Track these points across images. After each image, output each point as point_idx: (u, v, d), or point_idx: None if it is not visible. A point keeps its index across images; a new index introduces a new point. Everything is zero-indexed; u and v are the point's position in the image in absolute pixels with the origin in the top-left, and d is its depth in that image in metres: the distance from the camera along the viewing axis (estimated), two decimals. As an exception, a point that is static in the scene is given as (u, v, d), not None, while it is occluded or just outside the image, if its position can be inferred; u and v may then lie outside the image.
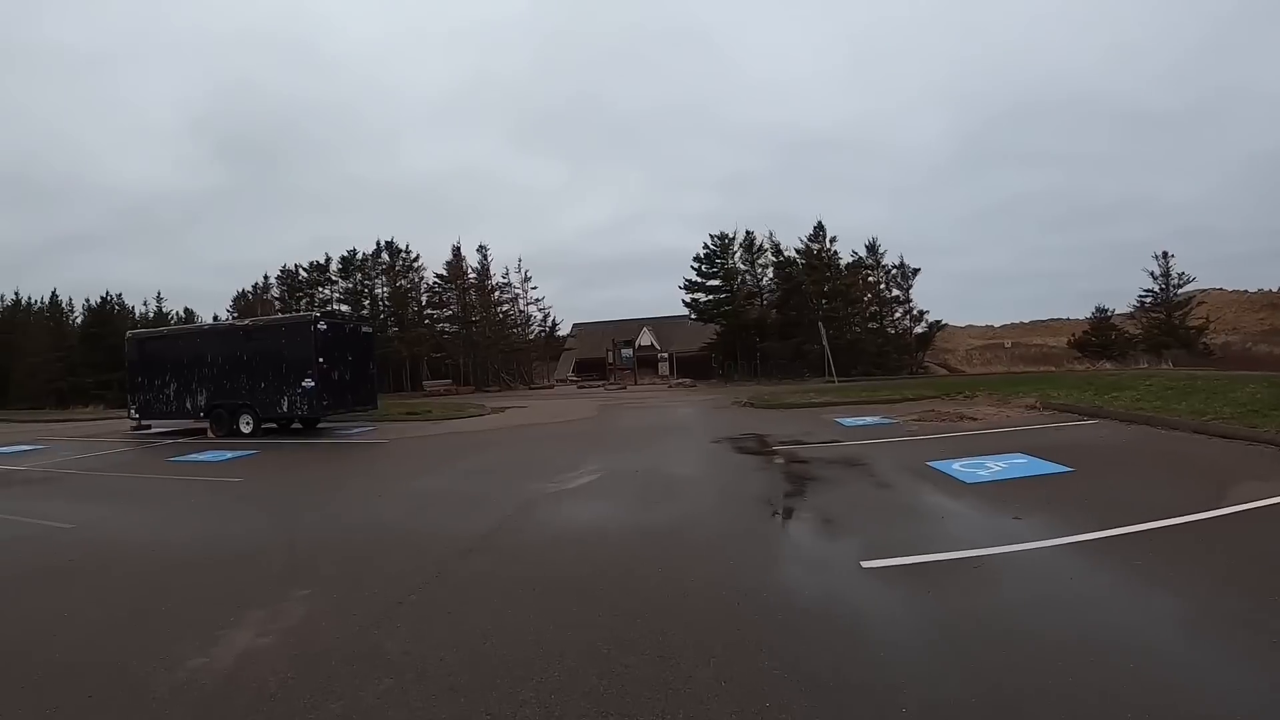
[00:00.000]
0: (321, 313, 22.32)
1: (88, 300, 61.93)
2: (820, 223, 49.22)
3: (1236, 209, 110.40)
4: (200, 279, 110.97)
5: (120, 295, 61.72)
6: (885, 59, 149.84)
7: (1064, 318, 77.64)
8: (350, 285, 57.71)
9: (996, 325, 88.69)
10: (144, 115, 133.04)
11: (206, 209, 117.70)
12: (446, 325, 58.81)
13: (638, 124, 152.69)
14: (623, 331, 61.40)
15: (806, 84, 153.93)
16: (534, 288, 60.11)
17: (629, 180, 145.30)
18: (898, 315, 48.85)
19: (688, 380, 46.83)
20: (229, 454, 16.71)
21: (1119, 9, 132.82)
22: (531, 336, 60.78)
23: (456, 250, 57.54)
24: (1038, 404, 17.62)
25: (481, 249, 58.19)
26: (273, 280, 59.05)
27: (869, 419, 17.16)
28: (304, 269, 58.21)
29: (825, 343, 32.45)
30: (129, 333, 25.82)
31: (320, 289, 58.02)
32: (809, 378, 42.79)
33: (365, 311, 57.63)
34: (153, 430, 23.57)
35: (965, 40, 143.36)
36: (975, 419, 15.76)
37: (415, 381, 54.43)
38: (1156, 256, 50.26)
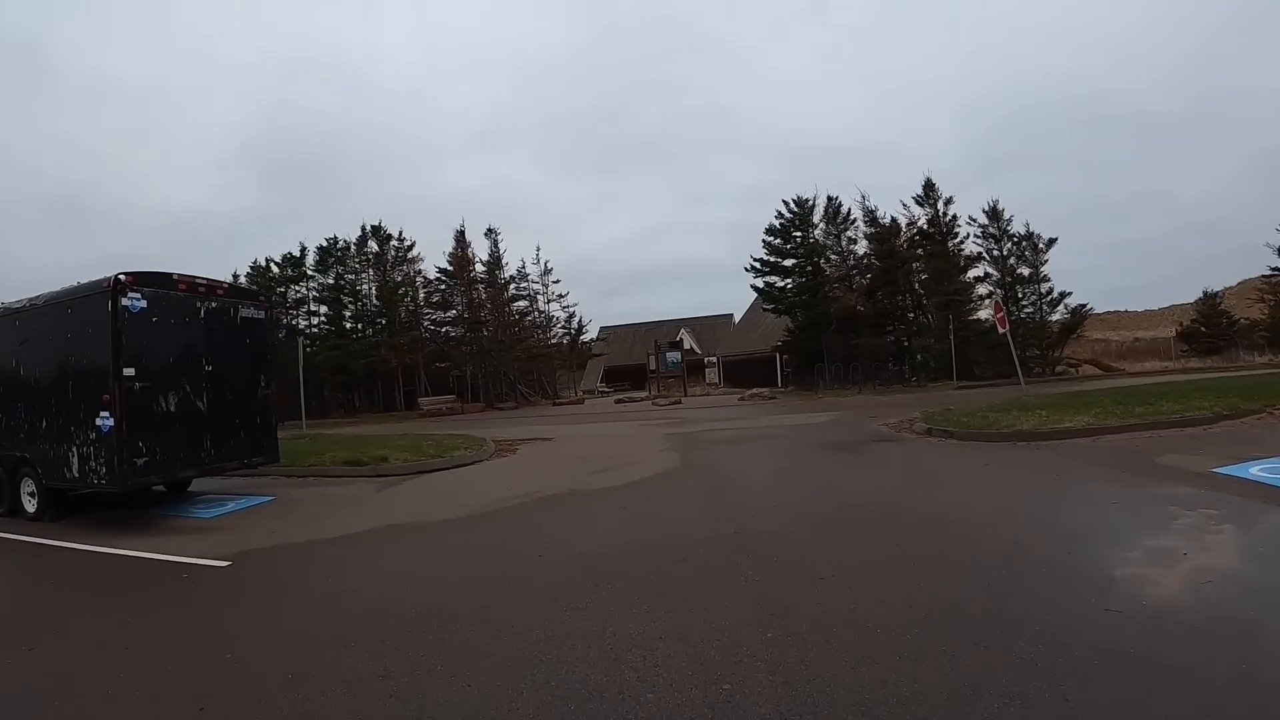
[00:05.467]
0: (136, 272, 11.31)
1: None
2: (930, 180, 38.36)
3: (1248, 202, 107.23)
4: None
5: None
6: (895, 68, 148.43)
7: (1120, 310, 70.09)
8: (331, 280, 47.38)
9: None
10: (196, 141, 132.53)
11: (250, 228, 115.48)
12: (451, 328, 48.40)
13: (662, 139, 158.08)
14: (657, 334, 52.67)
15: (820, 93, 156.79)
16: (556, 281, 49.44)
17: (653, 193, 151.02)
18: (1029, 299, 37.79)
19: (764, 391, 36.00)
20: None
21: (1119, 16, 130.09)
22: (554, 341, 50.31)
23: (460, 236, 47.02)
24: None
25: (491, 234, 47.61)
26: (243, 278, 48.73)
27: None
28: (275, 263, 48.01)
29: (1006, 332, 21.90)
30: None
31: (295, 286, 47.86)
32: (924, 383, 32.81)
33: (349, 313, 47.51)
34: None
35: (972, 47, 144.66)
36: None
37: (411, 398, 44.14)
38: (1281, 229, 40.05)
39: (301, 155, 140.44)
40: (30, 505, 11.08)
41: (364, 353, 44.59)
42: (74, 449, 10.17)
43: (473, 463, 14.59)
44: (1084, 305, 37.34)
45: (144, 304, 10.03)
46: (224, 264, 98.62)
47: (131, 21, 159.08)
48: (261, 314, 12.20)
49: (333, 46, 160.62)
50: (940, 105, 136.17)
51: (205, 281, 11.17)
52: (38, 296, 11.16)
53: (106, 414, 9.69)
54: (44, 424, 10.68)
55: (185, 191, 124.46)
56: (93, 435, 9.90)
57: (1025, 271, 37.59)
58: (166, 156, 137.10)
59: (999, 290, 36.36)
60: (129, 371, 9.74)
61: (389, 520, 9.20)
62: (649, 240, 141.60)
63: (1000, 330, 22.07)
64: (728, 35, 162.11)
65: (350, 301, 47.86)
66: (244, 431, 11.52)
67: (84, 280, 10.50)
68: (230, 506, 11.17)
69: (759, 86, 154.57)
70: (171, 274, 10.69)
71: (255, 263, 48.64)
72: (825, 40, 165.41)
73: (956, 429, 13.74)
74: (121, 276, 9.88)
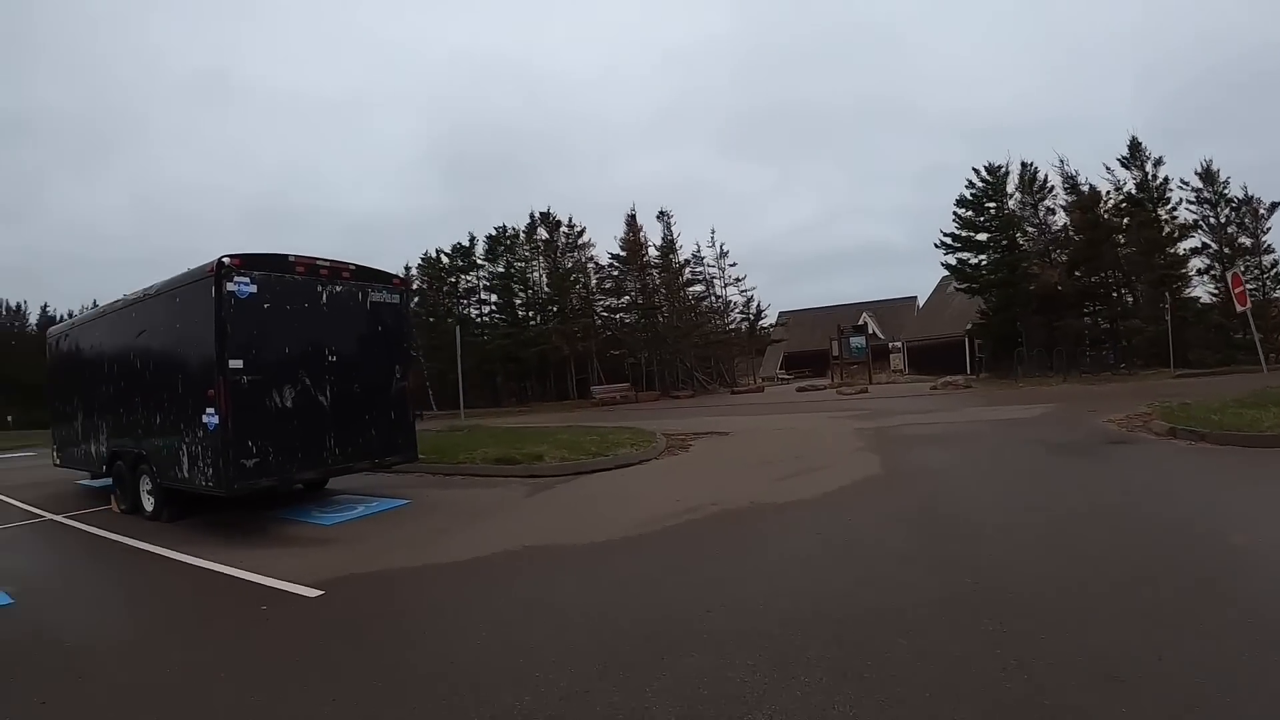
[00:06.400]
0: (244, 254, 10.05)
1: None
2: (1135, 139, 33.92)
3: None
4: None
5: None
6: (1069, 36, 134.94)
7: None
8: (501, 269, 46.93)
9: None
10: (385, 147, 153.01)
11: (432, 225, 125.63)
12: (624, 315, 47.15)
13: (835, 124, 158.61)
14: (838, 318, 49.49)
15: (992, 69, 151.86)
16: (733, 264, 47.45)
17: (828, 177, 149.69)
18: (1250, 274, 32.43)
19: (957, 379, 32.87)
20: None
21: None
22: (732, 326, 48.27)
23: (632, 220, 45.61)
24: None
25: (664, 216, 45.85)
26: (414, 269, 48.96)
27: None
28: (445, 253, 47.94)
29: (1247, 310, 18.81)
30: (49, 330, 16.19)
31: (465, 275, 47.66)
32: (1136, 370, 29.44)
33: (520, 301, 46.90)
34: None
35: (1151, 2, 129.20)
36: None
37: (584, 386, 43.10)
38: None
39: (480, 156, 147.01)
40: (148, 503, 10.38)
41: (535, 340, 44.01)
42: (184, 447, 9.26)
43: (639, 462, 12.86)
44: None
45: (253, 289, 8.89)
46: (404, 259, 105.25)
47: (323, 40, 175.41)
48: (396, 298, 10.91)
49: (510, 50, 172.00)
50: (1120, 72, 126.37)
51: (328, 263, 9.90)
52: (152, 285, 10.30)
53: (212, 410, 8.61)
54: (158, 420, 9.94)
55: (374, 194, 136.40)
56: (200, 433, 8.89)
57: (1246, 241, 32.93)
58: (357, 163, 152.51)
59: (1219, 264, 32.02)
60: (235, 364, 8.62)
61: (525, 539, 7.51)
62: (826, 225, 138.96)
63: (1239, 308, 18.99)
64: (897, 14, 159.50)
65: (521, 289, 47.43)
66: (375, 428, 10.31)
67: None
68: (358, 511, 9.92)
69: (932, 65, 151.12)
70: (287, 255, 9.46)
71: (426, 254, 48.91)
72: (996, 14, 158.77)
73: (1208, 429, 10.95)
74: (225, 259, 8.73)
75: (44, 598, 6.86)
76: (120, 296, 11.36)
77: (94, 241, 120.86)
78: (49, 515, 11.71)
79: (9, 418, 50.51)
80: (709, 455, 13.54)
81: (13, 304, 74.54)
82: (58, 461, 14.57)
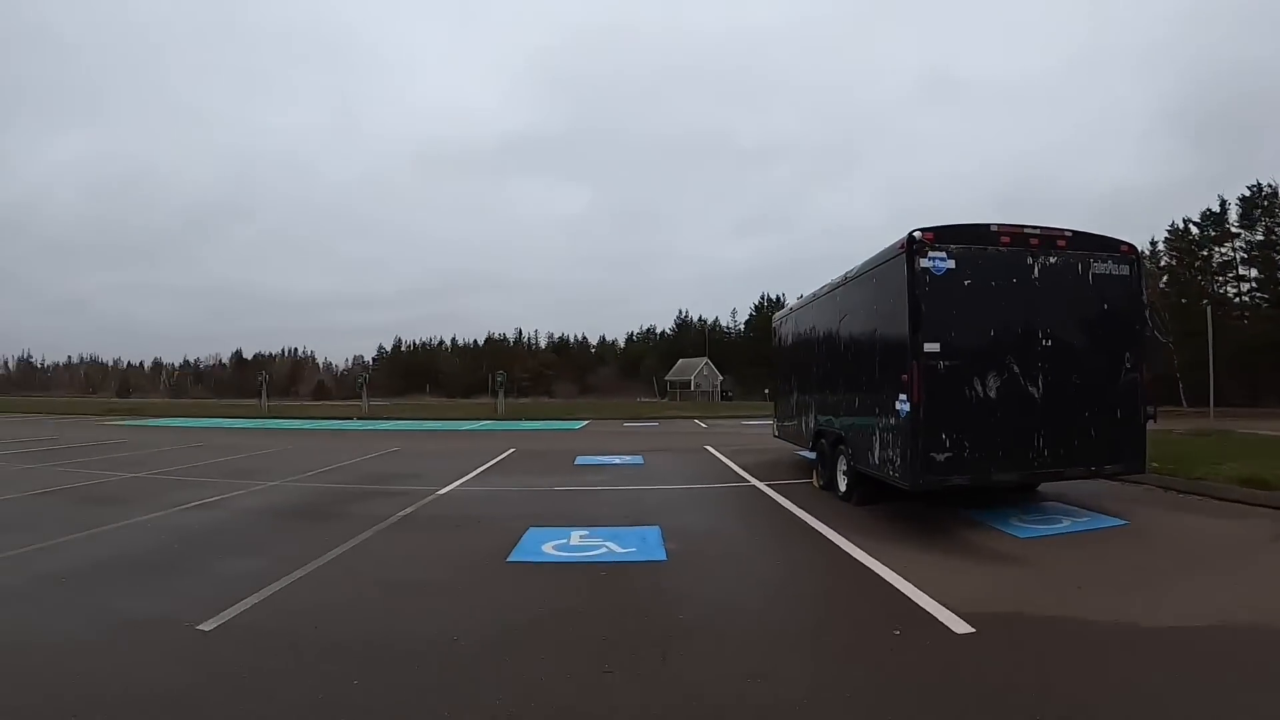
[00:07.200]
0: (937, 227, 9.04)
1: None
2: None
3: None
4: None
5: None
6: None
7: None
8: (1259, 236, 40.23)
9: None
10: (1121, 118, 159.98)
11: (1176, 198, 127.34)
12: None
13: None
14: None
15: None
16: None
17: None
18: None
19: None
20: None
21: None
22: None
23: None
24: None
25: None
26: (1160, 245, 44.28)
27: None
28: (1194, 223, 42.42)
29: None
30: (774, 315, 18.44)
31: (1218, 248, 41.63)
32: None
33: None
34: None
35: None
36: None
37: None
38: None
39: (1236, 112, 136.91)
40: (841, 483, 10.62)
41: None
42: (875, 433, 9.13)
43: None
44: None
45: (950, 264, 8.18)
46: (1150, 233, 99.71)
47: (1026, 21, 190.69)
48: (1125, 269, 9.09)
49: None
50: None
51: (1038, 230, 8.67)
52: (852, 268, 10.31)
53: (904, 397, 8.14)
54: (855, 403, 10.01)
55: (1115, 167, 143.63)
56: (891, 421, 8.55)
57: None
58: (1095, 135, 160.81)
59: None
60: (931, 348, 8.01)
61: (1257, 608, 5.29)
62: None
63: None
64: None
65: (1289, 265, 40.05)
66: (1094, 429, 8.73)
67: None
68: (1062, 525, 8.56)
69: None
70: (988, 225, 8.51)
71: (1172, 225, 43.77)
72: None
73: None
74: (916, 234, 8.19)
75: (695, 562, 7.23)
76: (827, 281, 11.69)
77: (846, 237, 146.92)
78: (753, 481, 12.91)
79: (766, 390, 63.49)
80: None
81: (773, 296, 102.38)
82: (776, 433, 16.16)
